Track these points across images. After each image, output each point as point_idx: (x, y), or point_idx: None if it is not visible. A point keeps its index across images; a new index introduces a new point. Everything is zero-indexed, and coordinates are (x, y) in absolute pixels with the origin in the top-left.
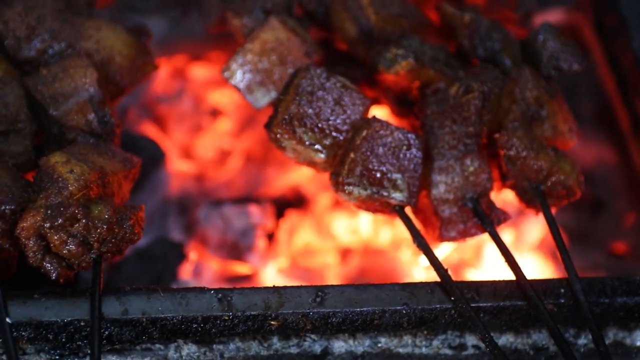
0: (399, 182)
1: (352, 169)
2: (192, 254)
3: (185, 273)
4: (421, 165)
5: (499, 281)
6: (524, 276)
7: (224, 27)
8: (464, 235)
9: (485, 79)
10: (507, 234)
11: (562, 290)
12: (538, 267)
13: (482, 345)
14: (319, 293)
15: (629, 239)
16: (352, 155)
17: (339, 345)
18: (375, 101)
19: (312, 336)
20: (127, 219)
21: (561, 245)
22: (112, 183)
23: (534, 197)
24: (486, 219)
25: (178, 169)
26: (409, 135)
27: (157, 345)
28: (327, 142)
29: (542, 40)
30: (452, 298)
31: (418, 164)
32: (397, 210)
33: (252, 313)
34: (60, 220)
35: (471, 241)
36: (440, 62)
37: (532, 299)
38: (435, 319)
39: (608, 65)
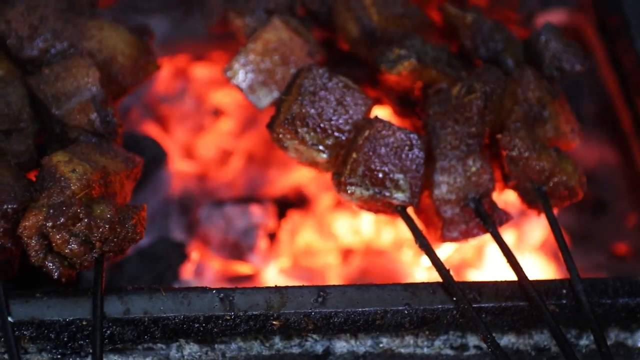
0: (401, 182)
1: (354, 169)
2: (194, 254)
3: (187, 273)
4: (423, 166)
5: (501, 282)
6: (526, 277)
7: (226, 27)
8: (466, 235)
9: (487, 79)
10: (509, 235)
11: (564, 291)
12: (540, 268)
13: (483, 345)
14: (321, 293)
15: (631, 239)
16: (354, 155)
17: (341, 346)
18: (378, 101)
19: (314, 336)
20: (129, 218)
21: (563, 245)
22: (115, 182)
23: (536, 197)
24: (488, 220)
25: (180, 168)
26: (411, 136)
27: (159, 345)
28: (329, 142)
29: (545, 40)
30: (454, 298)
31: (420, 164)
32: (399, 211)
33: (254, 313)
34: (62, 220)
35: (473, 242)
36: (443, 62)
37: (534, 299)
38: (437, 319)
39: (610, 66)
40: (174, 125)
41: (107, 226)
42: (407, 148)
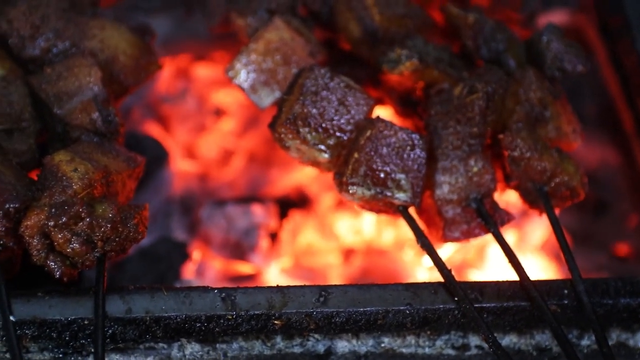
0: (403, 182)
1: (356, 169)
2: (196, 254)
3: (189, 272)
4: (425, 166)
5: (503, 282)
6: (528, 277)
7: (228, 27)
8: (467, 235)
9: (489, 79)
10: (510, 235)
11: (566, 291)
12: (541, 268)
13: (485, 345)
14: (323, 293)
15: (633, 240)
16: (356, 155)
17: (343, 345)
18: (379, 101)
19: (316, 336)
20: (131, 218)
21: (565, 246)
22: (116, 182)
23: (538, 198)
24: (490, 220)
25: (182, 168)
26: (413, 136)
27: (161, 344)
28: (331, 142)
29: (546, 41)
30: (456, 298)
31: (422, 165)
32: (401, 211)
33: (256, 312)
34: (64, 219)
35: (475, 242)
36: (445, 62)
37: (536, 299)
38: (438, 319)
39: (612, 67)
40: (176, 125)
41: (109, 225)
42: (408, 148)
